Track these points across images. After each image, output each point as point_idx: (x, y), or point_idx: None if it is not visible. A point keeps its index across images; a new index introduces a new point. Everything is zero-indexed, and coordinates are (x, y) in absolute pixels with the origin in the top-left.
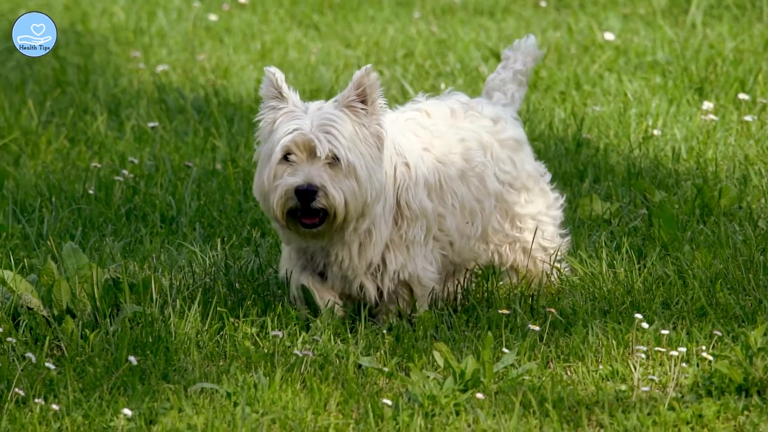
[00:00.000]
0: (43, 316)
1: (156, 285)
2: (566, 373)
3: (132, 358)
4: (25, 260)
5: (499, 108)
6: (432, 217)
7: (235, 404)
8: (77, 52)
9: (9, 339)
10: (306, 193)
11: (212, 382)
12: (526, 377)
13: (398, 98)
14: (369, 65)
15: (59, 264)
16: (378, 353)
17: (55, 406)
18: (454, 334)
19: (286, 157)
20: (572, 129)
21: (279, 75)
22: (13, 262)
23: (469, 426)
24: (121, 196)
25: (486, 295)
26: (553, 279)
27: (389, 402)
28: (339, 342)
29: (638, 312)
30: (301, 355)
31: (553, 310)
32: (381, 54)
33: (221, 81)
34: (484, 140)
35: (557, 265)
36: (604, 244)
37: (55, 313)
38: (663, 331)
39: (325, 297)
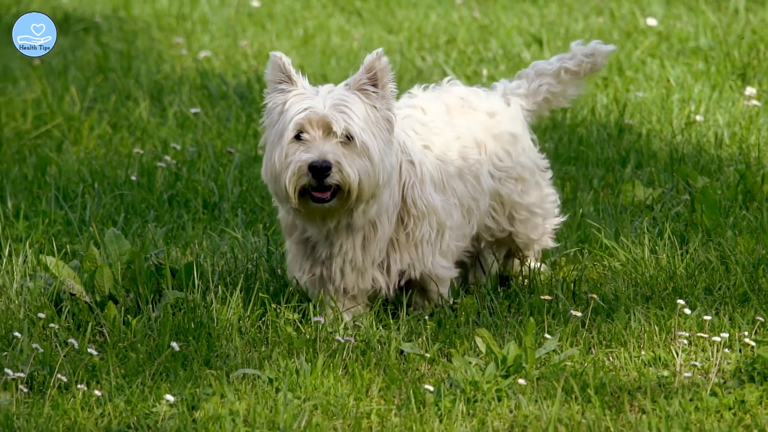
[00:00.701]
0: (86, 302)
1: (198, 271)
2: (608, 359)
3: (174, 344)
4: (68, 246)
5: (496, 100)
6: (444, 212)
7: (277, 390)
8: (120, 38)
9: (52, 325)
10: (320, 169)
11: (254, 368)
12: (568, 363)
13: None
14: (380, 49)
15: (102, 250)
16: (420, 339)
17: (97, 392)
18: (496, 319)
19: (298, 137)
20: (614, 114)
21: (286, 59)
22: (55, 248)
23: (511, 412)
24: (163, 182)
25: (528, 281)
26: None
27: (431, 388)
28: (381, 328)
29: (681, 298)
30: (343, 340)
31: (595, 295)
32: (423, 40)
33: (263, 67)
34: (478, 137)
35: (537, 263)
36: (646, 230)
37: (98, 299)
38: (705, 317)
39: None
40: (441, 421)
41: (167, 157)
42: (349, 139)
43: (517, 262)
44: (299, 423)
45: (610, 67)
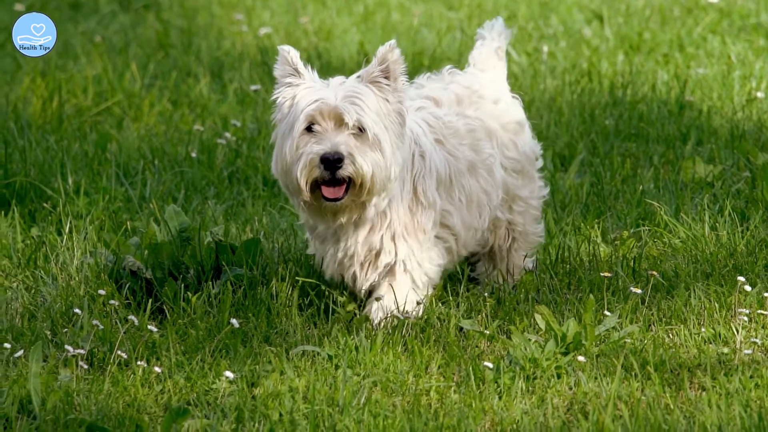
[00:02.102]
0: (146, 279)
1: (258, 248)
2: (668, 336)
3: (234, 321)
4: (128, 223)
5: (496, 85)
6: (438, 210)
7: (337, 367)
8: (180, 14)
9: (112, 302)
10: (333, 161)
11: (314, 344)
12: (628, 340)
13: None
14: (393, 41)
15: (162, 226)
16: (479, 316)
17: (157, 369)
18: (555, 296)
19: (309, 129)
20: (675, 91)
21: (294, 53)
22: (116, 224)
23: (570, 389)
24: (223, 159)
25: (588, 258)
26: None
27: (490, 365)
28: (440, 305)
29: (741, 275)
30: (402, 317)
31: (655, 273)
32: (483, 16)
33: (324, 43)
34: (490, 127)
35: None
36: (706, 207)
37: (158, 275)
38: (766, 294)
39: None
40: (500, 398)
41: (227, 134)
42: (361, 131)
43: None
44: (359, 400)
45: (670, 44)
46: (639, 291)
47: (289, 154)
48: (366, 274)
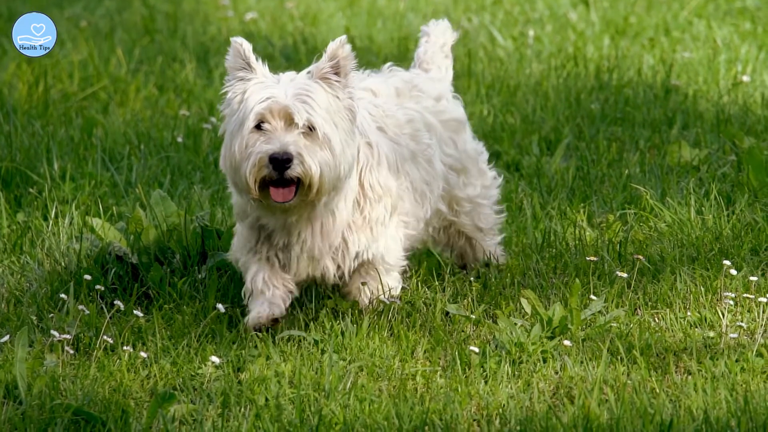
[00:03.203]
0: (132, 264)
1: None
2: (654, 320)
3: (220, 306)
4: (114, 208)
5: (438, 84)
6: (396, 194)
7: (323, 351)
8: None
9: (98, 287)
10: (281, 161)
11: (300, 329)
12: (614, 324)
13: (488, 47)
14: (344, 36)
15: (147, 212)
16: (465, 300)
17: (143, 354)
18: (541, 281)
19: (258, 126)
20: (661, 75)
21: (246, 45)
22: (102, 209)
23: (556, 373)
24: (209, 144)
25: (574, 242)
26: (492, 259)
27: (476, 349)
28: (426, 289)
29: (727, 258)
30: (388, 302)
31: (640, 257)
32: (469, 1)
33: (310, 28)
34: (429, 121)
35: (495, 247)
36: (692, 191)
37: (144, 260)
38: (752, 278)
39: (277, 288)
40: (486, 383)
41: (213, 119)
42: (311, 129)
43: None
44: (344, 384)
45: (656, 28)
46: (625, 275)
47: (238, 152)
48: (337, 267)
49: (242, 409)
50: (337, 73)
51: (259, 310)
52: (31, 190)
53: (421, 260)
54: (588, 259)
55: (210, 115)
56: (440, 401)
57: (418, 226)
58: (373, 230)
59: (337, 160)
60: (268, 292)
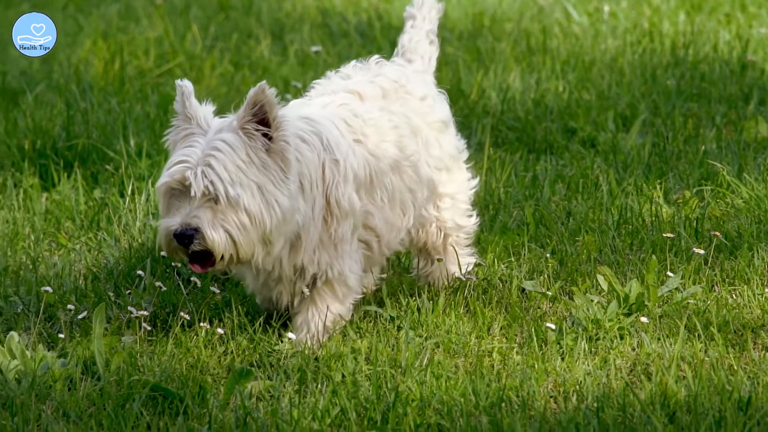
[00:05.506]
0: None
1: None
2: (731, 297)
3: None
4: None
5: (423, 82)
6: (359, 214)
7: (399, 328)
8: None
9: (174, 263)
10: (182, 237)
11: (376, 305)
12: (691, 301)
13: (563, 23)
14: (263, 82)
15: None
16: (541, 277)
17: (220, 330)
18: (618, 257)
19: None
20: (737, 51)
21: (188, 89)
22: None
23: (633, 350)
24: None
25: (651, 218)
26: (460, 261)
27: (553, 326)
28: (502, 266)
29: None
30: (464, 279)
31: (718, 233)
32: None
33: (384, 5)
34: (415, 124)
35: (465, 251)
36: None
37: None
38: None
39: None
40: (563, 359)
41: (288, 96)
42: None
43: (439, 266)
44: (421, 361)
45: (732, 3)
46: (702, 252)
47: (160, 216)
48: (294, 290)
49: (319, 386)
50: (262, 120)
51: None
52: (107, 166)
53: (496, 238)
54: (664, 235)
55: (285, 92)
56: (517, 378)
57: (399, 236)
58: (337, 248)
59: (256, 218)
60: None
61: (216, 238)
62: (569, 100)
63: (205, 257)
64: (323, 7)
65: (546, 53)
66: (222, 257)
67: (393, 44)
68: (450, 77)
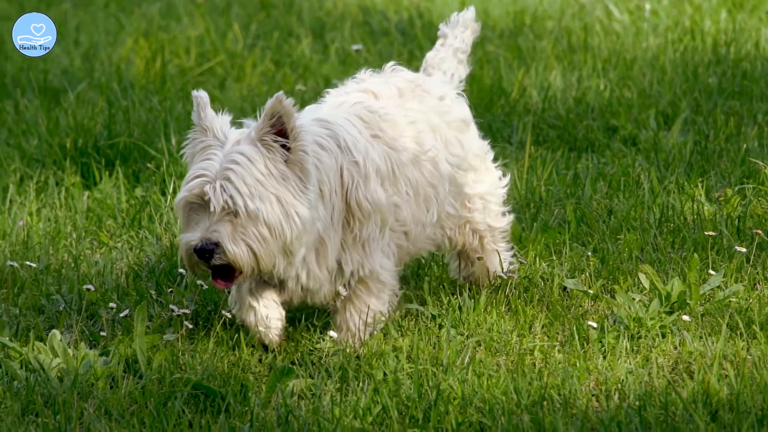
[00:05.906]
0: None
1: None
2: None
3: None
4: None
5: (442, 84)
6: (387, 208)
7: (440, 326)
8: None
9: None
10: (203, 252)
11: (417, 304)
12: (733, 299)
13: (604, 21)
14: (281, 92)
15: None
16: (583, 275)
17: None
18: (659, 255)
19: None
20: None
21: (204, 100)
22: None
23: (675, 348)
24: None
25: (692, 216)
26: (501, 260)
27: (594, 324)
28: (544, 264)
29: None
30: (506, 277)
31: (760, 231)
32: None
33: (425, 3)
34: (433, 122)
35: (503, 248)
36: None
37: None
38: None
39: (269, 308)
40: (605, 358)
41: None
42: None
43: (480, 266)
44: (462, 359)
45: None
46: (744, 250)
47: (180, 231)
48: (333, 288)
49: (360, 384)
50: (280, 132)
51: (253, 331)
52: (149, 165)
53: (538, 237)
54: (706, 233)
55: (326, 89)
56: (558, 376)
57: (424, 232)
58: (365, 247)
59: (276, 230)
60: (259, 307)
61: (237, 252)
62: (610, 98)
63: (227, 271)
64: (364, 6)
65: (587, 51)
66: (243, 269)
67: (434, 42)
68: (491, 75)
